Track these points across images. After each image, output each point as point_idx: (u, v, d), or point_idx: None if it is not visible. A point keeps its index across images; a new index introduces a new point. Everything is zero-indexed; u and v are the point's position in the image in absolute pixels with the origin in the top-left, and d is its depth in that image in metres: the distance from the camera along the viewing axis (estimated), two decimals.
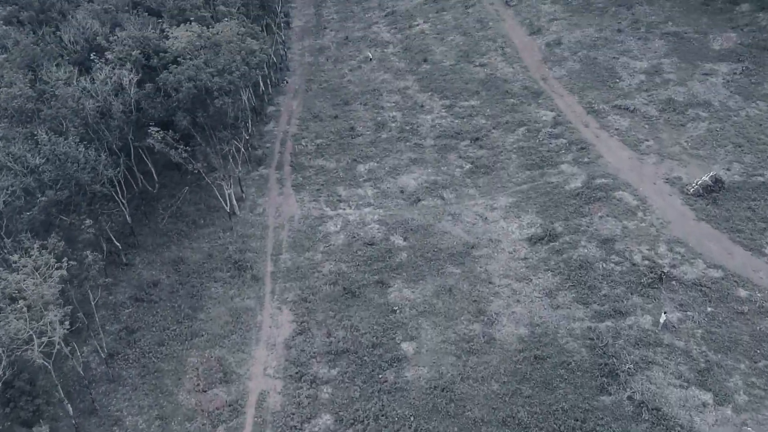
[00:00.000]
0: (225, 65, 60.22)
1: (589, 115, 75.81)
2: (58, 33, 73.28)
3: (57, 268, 42.76)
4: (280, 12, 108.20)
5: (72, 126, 55.58)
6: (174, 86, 58.86)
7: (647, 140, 70.34)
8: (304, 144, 79.70)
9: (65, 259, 43.55)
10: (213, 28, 68.91)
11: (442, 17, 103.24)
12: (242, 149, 72.70)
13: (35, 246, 43.86)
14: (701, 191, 61.57)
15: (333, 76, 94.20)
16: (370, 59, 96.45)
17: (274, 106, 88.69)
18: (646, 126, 72.48)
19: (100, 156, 54.71)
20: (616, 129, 72.65)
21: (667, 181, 64.38)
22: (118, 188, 61.79)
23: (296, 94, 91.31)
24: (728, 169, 64.32)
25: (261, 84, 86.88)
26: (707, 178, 61.96)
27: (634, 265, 55.60)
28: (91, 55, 66.54)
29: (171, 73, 59.83)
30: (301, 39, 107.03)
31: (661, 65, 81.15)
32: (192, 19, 70.70)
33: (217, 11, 73.98)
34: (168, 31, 66.93)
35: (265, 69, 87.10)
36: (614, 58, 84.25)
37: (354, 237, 64.71)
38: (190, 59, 63.24)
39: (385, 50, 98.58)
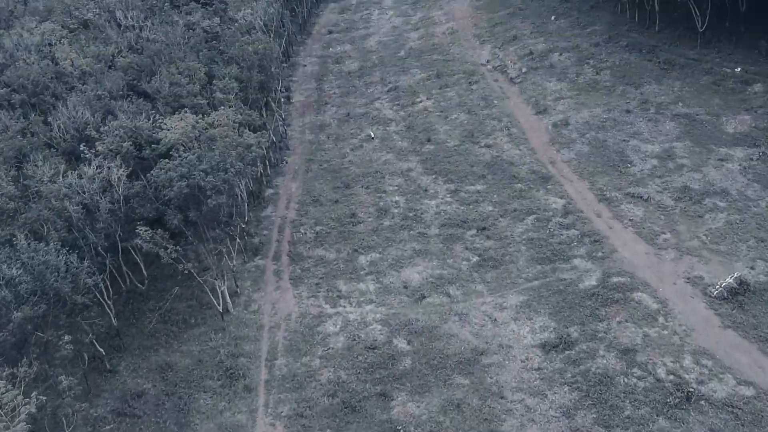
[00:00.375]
0: (219, 161, 57.20)
1: (600, 203, 72.49)
2: (49, 120, 70.73)
3: (25, 404, 38.68)
4: (281, 87, 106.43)
5: (54, 229, 52.17)
6: (165, 184, 55.70)
7: (664, 233, 66.76)
8: (303, 232, 76.22)
9: (34, 394, 39.44)
10: (209, 116, 66.26)
11: (445, 94, 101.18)
12: (237, 239, 69.14)
13: (3, 377, 39.86)
14: (725, 294, 57.66)
15: (334, 156, 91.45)
16: (372, 138, 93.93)
17: (273, 188, 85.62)
18: (662, 217, 69.01)
19: (82, 263, 51.07)
20: (630, 220, 69.17)
21: (688, 281, 60.50)
22: (103, 289, 57.99)
23: (296, 175, 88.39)
24: (752, 268, 60.50)
25: (260, 166, 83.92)
26: (731, 280, 58.12)
27: (658, 380, 51.26)
28: (81, 145, 63.77)
29: (162, 169, 56.78)
30: (302, 115, 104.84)
31: (673, 149, 78.26)
32: (187, 106, 68.15)
33: (214, 98, 71.54)
34: (161, 122, 64.26)
35: (264, 150, 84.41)
36: (624, 140, 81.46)
37: (354, 339, 60.59)
38: (184, 151, 60.33)
39: (388, 128, 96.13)
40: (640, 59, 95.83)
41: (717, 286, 58.45)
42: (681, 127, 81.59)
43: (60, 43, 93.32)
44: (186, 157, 57.57)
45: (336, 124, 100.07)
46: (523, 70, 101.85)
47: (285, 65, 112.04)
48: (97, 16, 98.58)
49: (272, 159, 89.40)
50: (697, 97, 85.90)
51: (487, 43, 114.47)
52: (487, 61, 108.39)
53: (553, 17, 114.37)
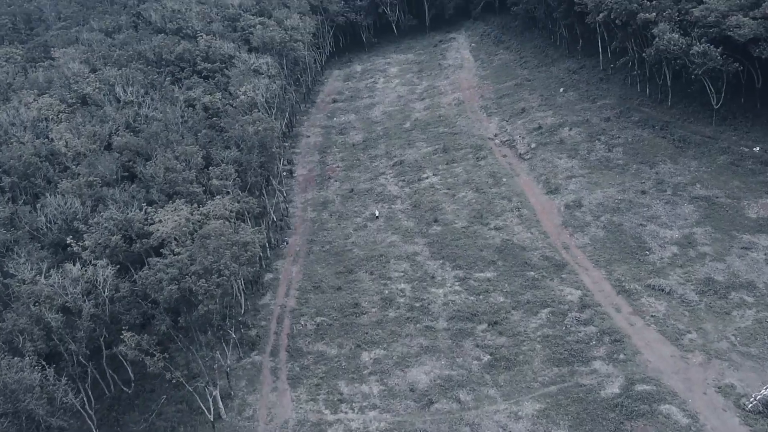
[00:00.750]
0: (213, 262, 53.34)
1: (619, 296, 68.19)
2: (38, 206, 67.42)
3: None
4: (283, 161, 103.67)
5: (30, 340, 48.04)
6: (154, 286, 51.77)
7: (689, 332, 62.22)
8: (303, 323, 71.90)
9: None
10: (204, 205, 62.81)
11: (452, 170, 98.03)
12: (233, 335, 64.73)
13: None
14: (761, 407, 52.80)
15: (337, 237, 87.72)
16: (377, 217, 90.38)
17: (273, 272, 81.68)
18: (686, 313, 64.57)
19: (60, 379, 46.76)
20: (652, 316, 64.71)
21: (719, 391, 55.67)
22: (84, 398, 53.44)
23: (296, 258, 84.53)
24: None
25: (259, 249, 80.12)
26: (767, 392, 53.31)
27: None
28: (69, 238, 60.21)
29: (152, 269, 52.93)
30: (305, 190, 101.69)
31: (693, 235, 74.28)
32: (182, 194, 64.79)
33: (211, 184, 68.26)
34: (153, 215, 60.80)
35: (264, 232, 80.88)
36: (641, 224, 77.58)
37: None
38: (176, 246, 56.63)
39: (393, 206, 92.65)
40: (654, 136, 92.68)
41: (751, 398, 53.65)
42: (700, 210, 77.79)
43: (57, 117, 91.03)
44: (177, 256, 53.75)
45: (339, 201, 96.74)
46: (532, 145, 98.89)
47: (287, 143, 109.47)
48: (96, 90, 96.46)
49: (272, 240, 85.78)
50: (715, 179, 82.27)
51: (495, 115, 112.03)
52: (495, 135, 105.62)
53: (561, 89, 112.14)
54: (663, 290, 67.71)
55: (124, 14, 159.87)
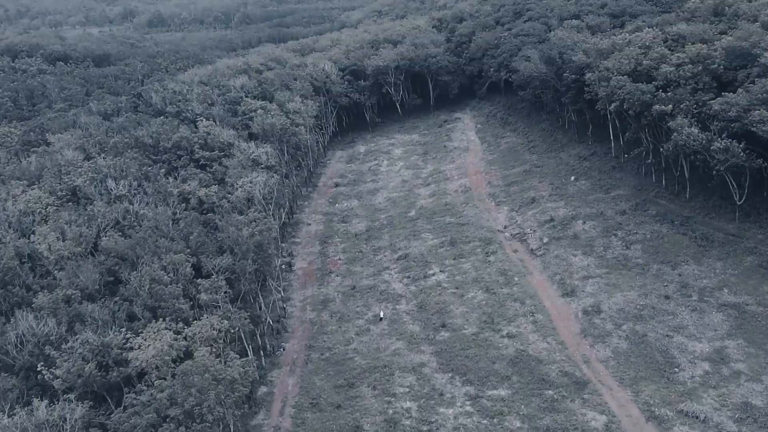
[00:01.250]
0: (195, 405, 47.37)
1: (649, 423, 61.59)
2: (11, 321, 61.92)
3: None
4: (282, 252, 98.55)
5: None
6: None
7: None
8: None
9: None
10: (190, 326, 57.16)
11: (460, 265, 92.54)
12: None
13: None
14: None
15: (337, 342, 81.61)
16: (381, 319, 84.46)
17: (267, 385, 75.22)
18: None
19: None
20: None
21: None
22: None
23: (293, 367, 78.22)
24: None
25: (252, 356, 73.97)
26: None
27: None
28: (40, 365, 54.47)
29: (126, 411, 46.88)
30: (304, 286, 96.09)
31: (725, 350, 68.15)
32: (167, 309, 59.29)
33: (199, 299, 62.82)
34: (133, 339, 55.14)
35: (259, 338, 75.07)
36: (667, 335, 71.55)
37: None
38: (156, 377, 50.73)
39: (398, 306, 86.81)
40: (674, 232, 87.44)
41: None
42: (730, 320, 71.83)
43: (45, 211, 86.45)
44: (157, 394, 47.81)
45: (340, 300, 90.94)
46: (545, 240, 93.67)
47: (284, 244, 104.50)
48: (87, 182, 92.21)
49: (268, 347, 79.67)
50: (743, 282, 76.58)
51: (504, 204, 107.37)
52: (505, 227, 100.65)
53: (572, 177, 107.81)
54: (697, 417, 61.16)
55: (126, 94, 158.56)
